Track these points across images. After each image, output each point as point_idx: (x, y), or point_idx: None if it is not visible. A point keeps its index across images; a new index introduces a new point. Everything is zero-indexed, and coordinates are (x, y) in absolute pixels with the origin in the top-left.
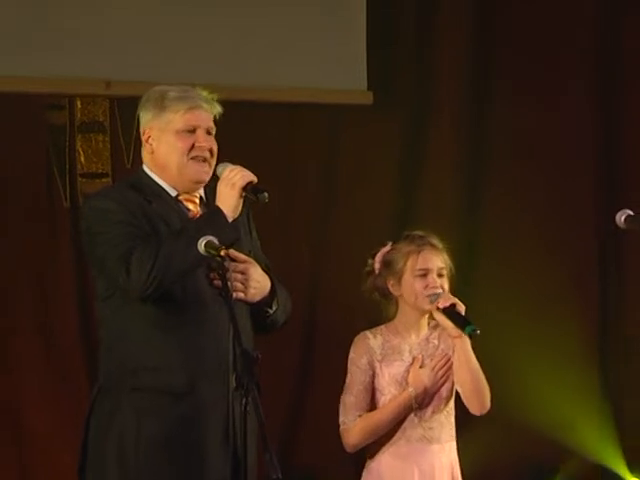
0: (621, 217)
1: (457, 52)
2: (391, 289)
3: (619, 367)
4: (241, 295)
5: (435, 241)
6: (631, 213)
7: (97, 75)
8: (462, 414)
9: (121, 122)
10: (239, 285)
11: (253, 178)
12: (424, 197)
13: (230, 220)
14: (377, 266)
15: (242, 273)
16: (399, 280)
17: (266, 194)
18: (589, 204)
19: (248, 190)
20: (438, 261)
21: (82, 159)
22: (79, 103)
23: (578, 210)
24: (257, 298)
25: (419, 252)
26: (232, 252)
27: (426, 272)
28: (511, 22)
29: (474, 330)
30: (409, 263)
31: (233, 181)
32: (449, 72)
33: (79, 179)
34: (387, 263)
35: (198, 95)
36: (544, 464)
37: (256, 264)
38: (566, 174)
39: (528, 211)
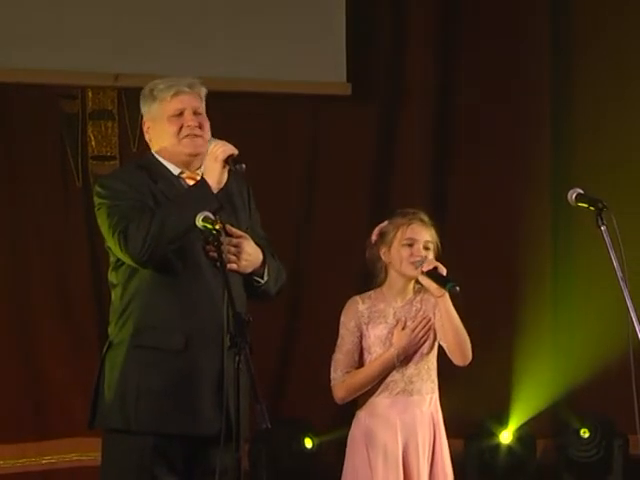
0: (572, 195)
1: (426, 50)
2: (382, 257)
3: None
4: (234, 266)
5: (425, 217)
6: (581, 192)
7: (106, 68)
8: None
9: (128, 110)
10: (232, 257)
11: (234, 151)
12: (396, 177)
13: (215, 190)
14: (374, 238)
15: (235, 246)
16: (389, 248)
17: (243, 165)
18: (544, 180)
19: (229, 162)
20: (425, 234)
21: (93, 143)
22: (90, 93)
23: (534, 186)
24: (249, 269)
25: (409, 224)
26: (228, 227)
27: (412, 242)
28: (475, 21)
29: (453, 286)
30: (399, 233)
31: (216, 155)
32: (419, 67)
33: (90, 161)
34: (382, 234)
35: (182, 82)
36: (498, 415)
37: (249, 238)
38: (523, 156)
39: (488, 188)
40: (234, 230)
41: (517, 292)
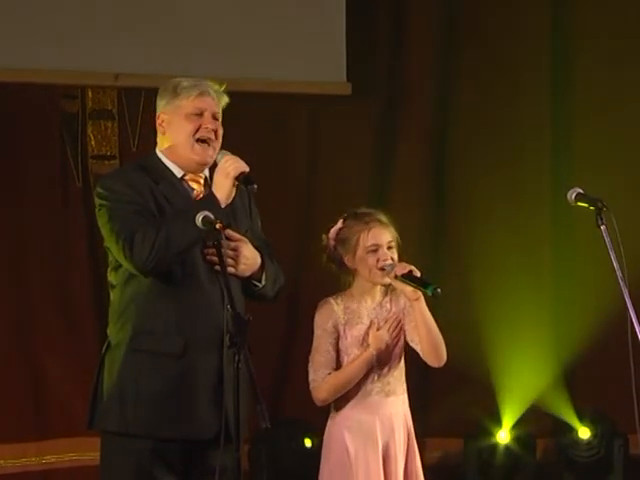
0: (572, 195)
1: (425, 50)
2: (347, 263)
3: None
4: (232, 270)
5: (382, 217)
6: (581, 191)
7: (107, 68)
8: (420, 369)
9: (128, 110)
10: (230, 261)
11: (245, 169)
12: (396, 176)
13: (223, 206)
14: (332, 243)
15: (234, 250)
16: (353, 256)
17: (255, 186)
18: (542, 182)
19: (240, 180)
20: (387, 235)
21: (93, 143)
22: (90, 93)
23: (534, 184)
24: (247, 273)
25: (369, 229)
26: (227, 231)
27: (377, 247)
28: (475, 20)
29: (435, 289)
30: (361, 240)
31: (227, 171)
32: (418, 67)
33: (90, 161)
34: (341, 241)
35: (208, 84)
36: (495, 414)
37: (248, 242)
38: (522, 157)
39: (487, 188)
40: (233, 233)
41: (516, 290)
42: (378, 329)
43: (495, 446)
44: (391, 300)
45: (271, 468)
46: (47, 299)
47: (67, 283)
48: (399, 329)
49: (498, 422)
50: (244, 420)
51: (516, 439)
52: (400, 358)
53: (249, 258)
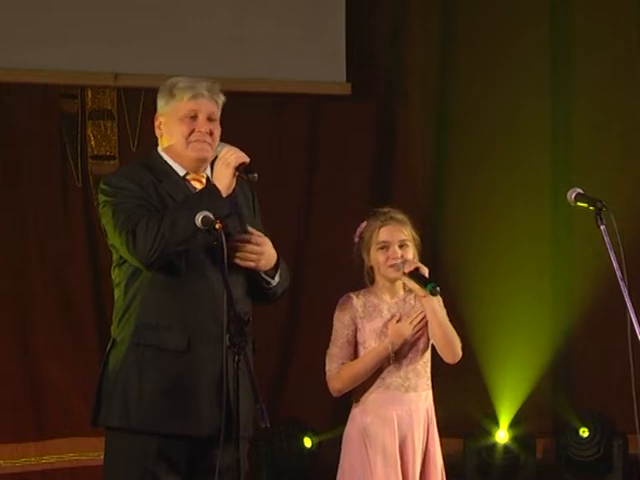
0: (571, 195)
1: (424, 51)
2: (365, 259)
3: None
4: (251, 264)
5: (398, 215)
6: (581, 191)
7: (106, 68)
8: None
9: (127, 110)
10: (254, 256)
11: (246, 159)
12: (397, 177)
13: (224, 196)
14: (356, 240)
15: (259, 245)
16: (368, 253)
17: (256, 175)
18: (543, 178)
19: (241, 170)
20: (399, 234)
21: (92, 143)
22: (90, 93)
23: (534, 184)
24: (265, 268)
25: (381, 227)
26: (250, 229)
27: (386, 245)
28: (475, 20)
29: (434, 287)
30: (373, 237)
31: (228, 161)
32: (417, 67)
33: (89, 161)
34: (361, 237)
35: (203, 85)
36: (495, 416)
37: (269, 241)
38: (523, 156)
39: (487, 188)
40: (254, 231)
41: (515, 289)
42: (398, 321)
43: (495, 446)
44: (415, 296)
45: (271, 468)
46: (47, 299)
47: (67, 283)
48: (423, 323)
49: (497, 422)
50: (246, 420)
51: (516, 439)
52: (423, 353)
53: (270, 256)
